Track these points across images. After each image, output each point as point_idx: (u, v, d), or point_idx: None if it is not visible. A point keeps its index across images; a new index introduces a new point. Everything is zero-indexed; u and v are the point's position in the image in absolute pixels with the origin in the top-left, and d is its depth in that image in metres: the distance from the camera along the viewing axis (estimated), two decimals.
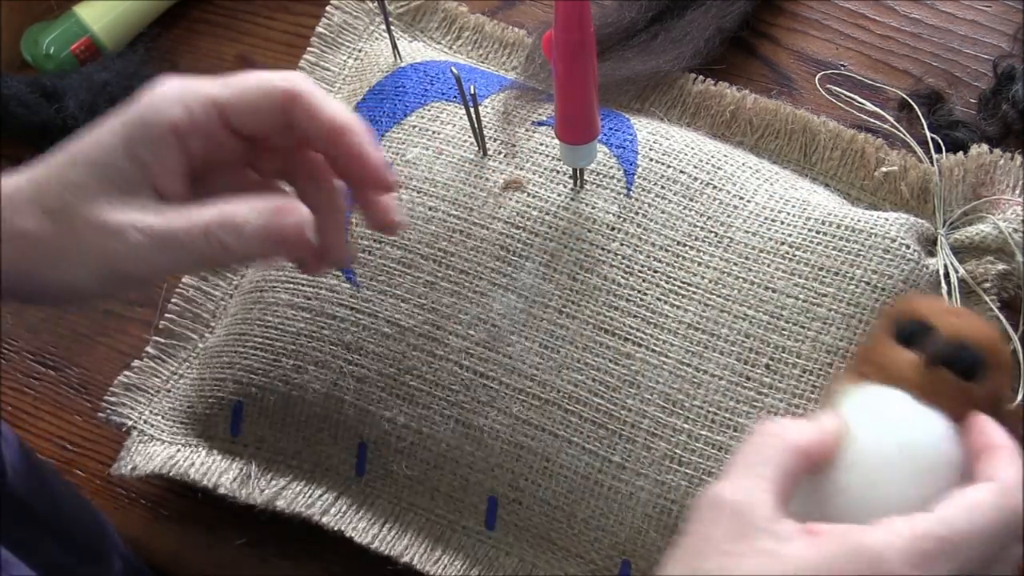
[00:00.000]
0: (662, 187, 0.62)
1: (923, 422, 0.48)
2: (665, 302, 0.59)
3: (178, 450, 0.66)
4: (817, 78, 0.71)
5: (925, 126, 0.65)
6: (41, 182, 0.46)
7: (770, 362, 0.58)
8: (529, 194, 0.62)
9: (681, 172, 0.62)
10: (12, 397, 0.73)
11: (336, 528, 0.62)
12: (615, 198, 0.61)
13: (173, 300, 0.71)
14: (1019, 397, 0.57)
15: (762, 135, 0.68)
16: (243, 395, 0.65)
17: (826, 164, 0.67)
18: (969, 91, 0.69)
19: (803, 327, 0.58)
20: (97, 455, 0.70)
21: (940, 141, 0.65)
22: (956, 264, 0.60)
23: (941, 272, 0.60)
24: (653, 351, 0.59)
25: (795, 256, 0.59)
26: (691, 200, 0.61)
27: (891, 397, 0.49)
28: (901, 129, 0.66)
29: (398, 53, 0.71)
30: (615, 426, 0.58)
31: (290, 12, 0.82)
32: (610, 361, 0.59)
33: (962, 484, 0.45)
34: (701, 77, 0.70)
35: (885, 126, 0.67)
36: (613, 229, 0.61)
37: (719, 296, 0.59)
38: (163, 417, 0.67)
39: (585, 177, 0.62)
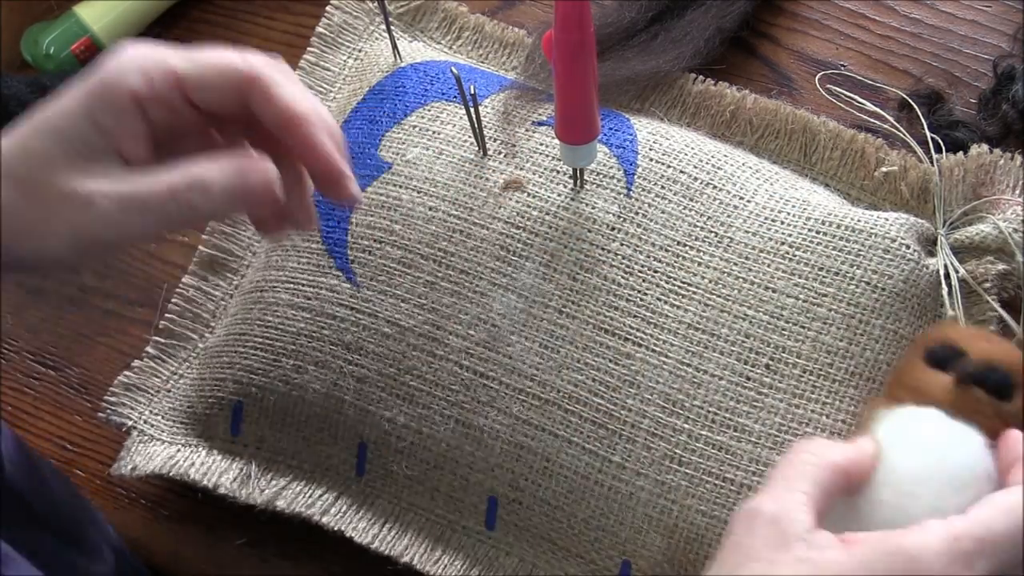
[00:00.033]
0: (662, 187, 0.62)
1: (959, 436, 0.49)
2: (665, 302, 0.59)
3: (178, 450, 0.66)
4: (817, 78, 0.71)
5: (925, 126, 0.65)
6: (7, 153, 0.46)
7: (770, 362, 0.58)
8: (529, 194, 0.62)
9: (681, 172, 0.62)
10: (12, 397, 0.73)
11: (336, 528, 0.62)
12: (615, 198, 0.61)
13: (173, 300, 0.71)
14: None
15: (762, 135, 0.68)
16: (243, 395, 0.65)
17: (826, 164, 0.67)
18: (969, 91, 0.69)
19: (803, 327, 0.58)
20: (97, 455, 0.70)
21: (940, 141, 0.65)
22: (956, 264, 0.60)
23: (941, 272, 0.60)
24: (653, 351, 0.59)
25: (795, 256, 0.59)
26: (691, 200, 0.61)
27: (927, 415, 0.50)
28: (901, 129, 0.66)
29: (398, 53, 0.71)
30: (615, 426, 0.58)
31: (290, 12, 0.82)
32: (610, 361, 0.59)
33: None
34: (701, 77, 0.70)
35: (885, 126, 0.67)
36: (613, 229, 0.61)
37: (719, 296, 0.59)
38: (163, 417, 0.67)
39: (585, 177, 0.62)
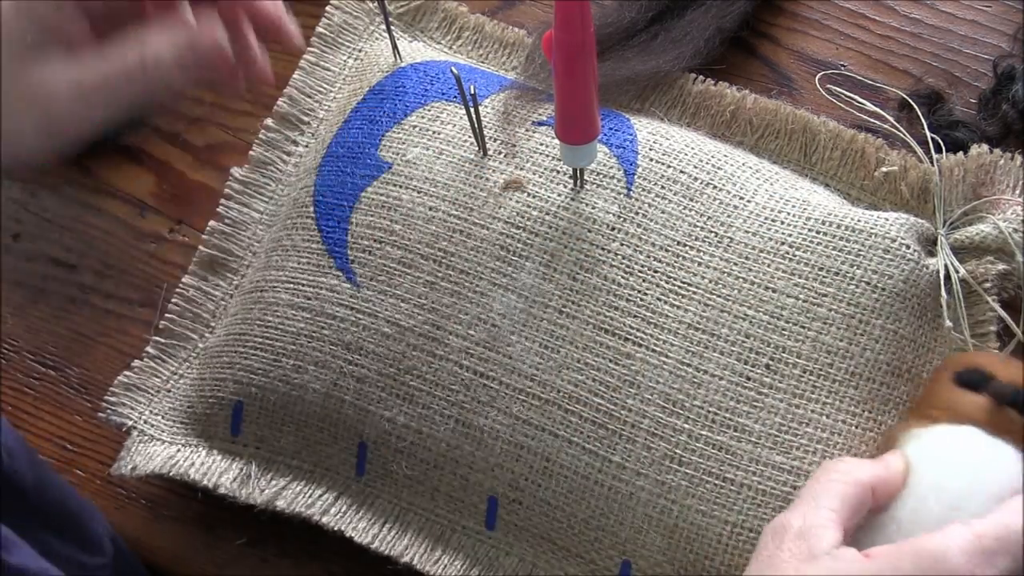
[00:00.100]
0: (662, 187, 0.62)
1: (997, 451, 0.51)
2: (665, 302, 0.59)
3: (178, 450, 0.66)
4: (817, 78, 0.71)
5: (925, 126, 0.65)
6: None
7: (770, 362, 0.58)
8: (529, 194, 0.62)
9: (681, 172, 0.62)
10: (12, 397, 0.73)
11: (336, 528, 0.62)
12: (615, 198, 0.61)
13: (173, 300, 0.71)
14: None
15: (762, 135, 0.68)
16: (243, 395, 0.65)
17: (826, 164, 0.67)
18: (969, 91, 0.69)
19: (803, 327, 0.58)
20: (97, 455, 0.70)
21: (940, 141, 0.65)
22: (956, 264, 0.60)
23: (941, 272, 0.60)
24: (653, 351, 0.59)
25: (795, 256, 0.59)
26: (691, 200, 0.61)
27: (965, 431, 0.53)
28: (901, 129, 0.66)
29: (398, 53, 0.71)
30: (615, 426, 0.58)
31: (290, 12, 0.82)
32: (610, 361, 0.59)
33: None
34: (701, 77, 0.70)
35: (885, 126, 0.67)
36: (613, 229, 0.61)
37: (719, 296, 0.59)
38: (163, 417, 0.67)
39: (585, 177, 0.62)
